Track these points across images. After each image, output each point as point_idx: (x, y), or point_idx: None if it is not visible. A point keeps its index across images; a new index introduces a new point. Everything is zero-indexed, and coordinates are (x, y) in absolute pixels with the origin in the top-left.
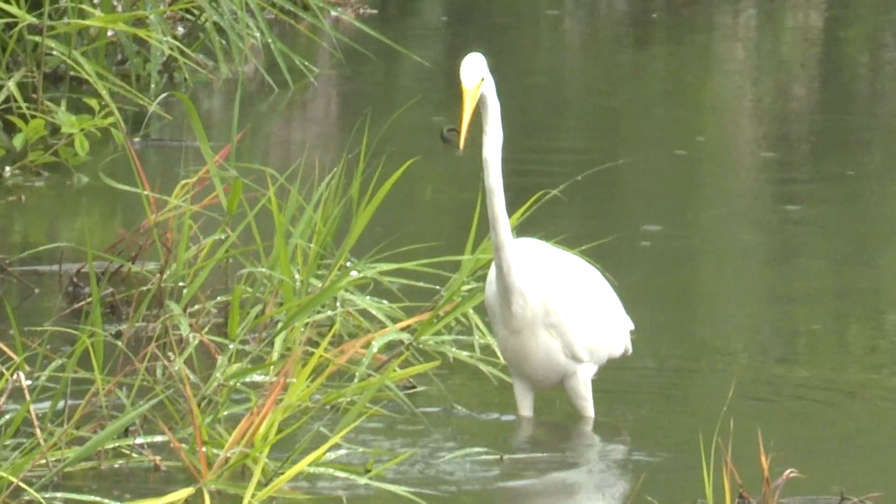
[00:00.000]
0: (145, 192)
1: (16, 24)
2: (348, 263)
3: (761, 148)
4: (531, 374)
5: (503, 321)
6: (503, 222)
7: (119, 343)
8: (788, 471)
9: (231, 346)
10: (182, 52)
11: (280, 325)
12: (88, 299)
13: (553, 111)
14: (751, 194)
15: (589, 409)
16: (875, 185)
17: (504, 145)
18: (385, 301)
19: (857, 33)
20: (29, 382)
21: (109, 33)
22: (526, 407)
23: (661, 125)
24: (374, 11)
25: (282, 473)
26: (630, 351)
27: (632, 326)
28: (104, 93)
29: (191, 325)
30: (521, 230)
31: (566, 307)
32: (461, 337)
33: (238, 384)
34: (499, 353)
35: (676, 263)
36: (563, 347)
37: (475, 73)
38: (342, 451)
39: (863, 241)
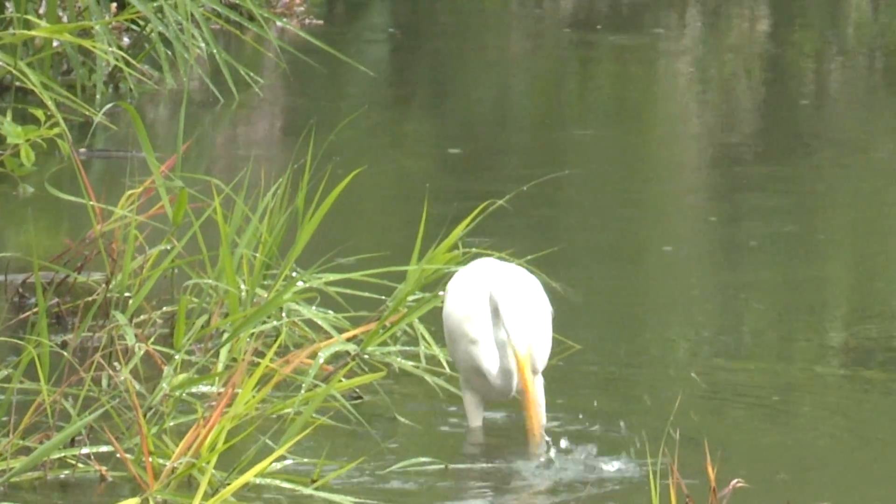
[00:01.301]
0: (91, 203)
1: None
2: (294, 274)
3: (706, 150)
4: (489, 395)
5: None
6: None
7: (65, 353)
8: (735, 481)
9: (177, 357)
10: (127, 63)
11: (226, 335)
12: (34, 310)
13: (499, 120)
14: (696, 196)
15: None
16: (820, 186)
17: (450, 155)
18: (331, 311)
19: (803, 42)
20: None
21: (55, 44)
22: (477, 418)
23: (605, 130)
24: (321, 22)
25: (228, 484)
26: None
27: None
28: (50, 103)
29: (136, 336)
30: (467, 240)
31: (535, 332)
32: (407, 347)
33: (184, 395)
34: (446, 365)
35: (621, 266)
36: None
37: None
38: (288, 462)
39: (808, 241)
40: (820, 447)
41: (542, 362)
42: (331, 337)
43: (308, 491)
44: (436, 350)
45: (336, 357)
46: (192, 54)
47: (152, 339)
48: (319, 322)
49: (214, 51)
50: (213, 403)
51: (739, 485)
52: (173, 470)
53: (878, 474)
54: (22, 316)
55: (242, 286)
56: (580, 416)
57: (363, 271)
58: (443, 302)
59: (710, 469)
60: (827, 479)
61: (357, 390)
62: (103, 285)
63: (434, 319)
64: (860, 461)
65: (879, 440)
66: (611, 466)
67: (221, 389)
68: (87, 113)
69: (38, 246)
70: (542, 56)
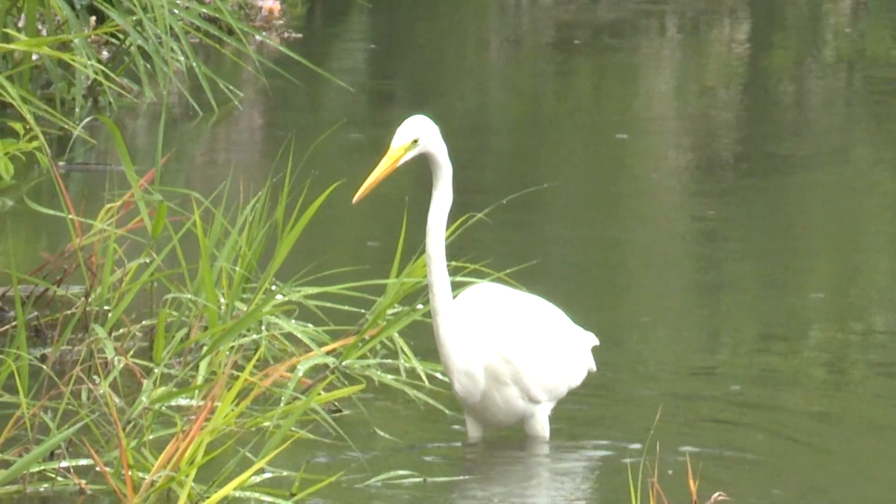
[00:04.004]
0: (70, 216)
1: None
2: (273, 287)
3: (685, 163)
4: (488, 419)
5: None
6: (439, 288)
7: (44, 367)
8: (717, 494)
9: (156, 370)
10: (106, 76)
11: (205, 348)
12: (13, 323)
13: (478, 134)
14: (674, 208)
15: (544, 434)
16: (799, 197)
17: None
18: (310, 325)
19: (779, 59)
20: None
21: (34, 57)
22: (476, 431)
23: (583, 143)
24: (300, 35)
25: (207, 497)
26: (594, 368)
27: (596, 342)
28: (29, 117)
29: (116, 349)
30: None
31: (524, 357)
32: (386, 360)
33: (163, 408)
34: (426, 379)
35: (600, 279)
36: (521, 393)
37: (408, 133)
38: (267, 475)
39: (787, 251)
40: (799, 460)
41: (540, 388)
42: (310, 350)
43: None
44: (415, 363)
45: (315, 370)
46: (171, 68)
47: (132, 353)
48: (299, 335)
49: (194, 64)
50: (193, 417)
51: (721, 498)
52: (152, 483)
53: (857, 483)
54: (1, 329)
55: (222, 299)
56: (560, 426)
57: (342, 284)
58: None
59: (691, 483)
60: (805, 490)
61: (336, 403)
62: (82, 298)
63: (413, 333)
64: (841, 472)
65: (860, 447)
66: (591, 477)
67: (201, 403)
68: (66, 126)
69: (18, 259)
70: (522, 68)
